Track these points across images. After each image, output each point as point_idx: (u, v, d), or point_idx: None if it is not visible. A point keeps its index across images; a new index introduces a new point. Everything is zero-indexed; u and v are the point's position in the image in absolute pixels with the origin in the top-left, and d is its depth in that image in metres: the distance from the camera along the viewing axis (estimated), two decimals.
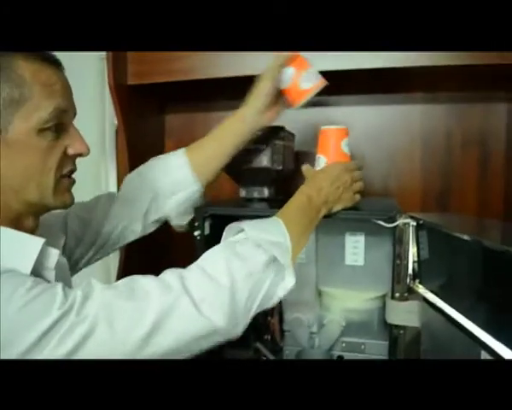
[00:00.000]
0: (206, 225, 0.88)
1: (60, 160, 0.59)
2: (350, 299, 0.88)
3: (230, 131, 0.85)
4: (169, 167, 0.86)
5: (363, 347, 0.88)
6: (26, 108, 0.55)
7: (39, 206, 0.61)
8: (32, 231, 0.62)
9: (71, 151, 0.61)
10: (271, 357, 0.88)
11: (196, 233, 0.87)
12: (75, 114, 0.63)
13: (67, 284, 0.62)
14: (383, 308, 0.86)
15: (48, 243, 0.58)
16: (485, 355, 0.53)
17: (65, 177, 0.62)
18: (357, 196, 0.79)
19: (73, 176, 0.64)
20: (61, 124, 0.59)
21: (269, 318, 0.92)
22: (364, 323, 0.89)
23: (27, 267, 0.54)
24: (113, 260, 1.45)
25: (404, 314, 0.74)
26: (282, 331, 0.93)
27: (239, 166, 0.95)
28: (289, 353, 0.92)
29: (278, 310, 0.92)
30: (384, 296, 0.85)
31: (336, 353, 0.89)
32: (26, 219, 0.61)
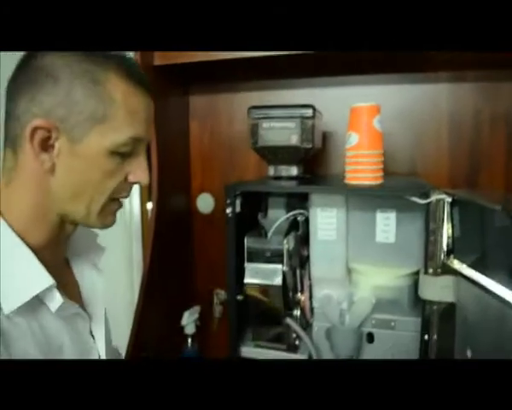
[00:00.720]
0: (237, 202, 0.88)
1: (119, 184, 0.59)
2: (380, 276, 0.88)
3: None
4: None
5: (393, 324, 0.88)
6: (105, 127, 0.55)
7: (79, 221, 0.60)
8: (69, 236, 0.64)
9: (131, 178, 0.61)
10: (301, 333, 0.89)
11: (228, 211, 0.87)
12: (149, 141, 0.62)
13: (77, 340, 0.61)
14: (414, 286, 0.87)
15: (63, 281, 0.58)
16: None
17: (116, 200, 0.62)
18: None
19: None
20: (132, 150, 0.59)
21: (299, 294, 0.93)
22: (395, 300, 0.89)
23: (12, 304, 0.52)
24: (136, 251, 1.49)
25: (439, 289, 0.74)
26: (312, 308, 0.93)
27: (268, 145, 0.95)
28: (318, 329, 0.92)
29: (308, 286, 0.93)
30: (415, 273, 0.85)
31: (366, 330, 0.90)
32: (68, 225, 0.62)
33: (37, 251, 0.57)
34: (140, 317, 1.08)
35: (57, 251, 0.63)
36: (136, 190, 1.47)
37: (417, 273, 0.83)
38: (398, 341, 0.89)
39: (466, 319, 0.70)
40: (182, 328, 1.17)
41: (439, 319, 0.78)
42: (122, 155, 0.58)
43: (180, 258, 1.26)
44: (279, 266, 0.86)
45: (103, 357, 0.64)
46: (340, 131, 1.01)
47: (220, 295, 0.91)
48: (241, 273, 0.89)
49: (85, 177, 0.56)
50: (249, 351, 0.93)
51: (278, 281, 0.86)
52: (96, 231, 0.72)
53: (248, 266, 0.88)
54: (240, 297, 0.90)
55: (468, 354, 0.67)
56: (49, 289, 0.55)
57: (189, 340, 1.18)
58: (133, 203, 1.51)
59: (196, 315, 1.19)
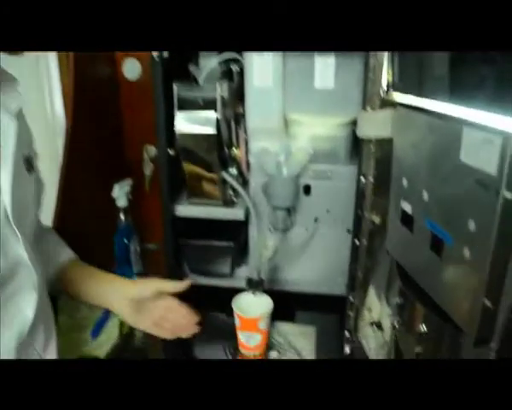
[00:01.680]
0: None
1: None
2: (318, 125, 0.85)
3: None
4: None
5: (329, 174, 0.87)
6: None
7: None
8: None
9: None
10: (238, 186, 0.86)
11: (154, 53, 0.78)
12: None
13: None
14: (352, 135, 0.85)
15: None
16: (467, 132, 0.52)
17: None
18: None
19: None
20: None
21: (234, 149, 0.88)
22: (333, 151, 0.87)
23: None
24: None
25: (377, 124, 0.72)
26: (248, 163, 0.90)
27: None
28: (255, 185, 0.90)
29: (244, 141, 0.89)
30: (353, 123, 0.83)
31: (303, 181, 0.88)
32: None
33: None
34: (64, 187, 1.01)
35: None
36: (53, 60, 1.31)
37: (355, 123, 0.81)
38: (335, 192, 0.88)
39: (403, 150, 0.69)
40: (114, 201, 1.12)
41: (375, 159, 0.77)
42: None
43: (106, 127, 1.17)
44: (212, 114, 0.80)
45: (8, 208, 0.58)
46: None
47: (150, 151, 0.84)
48: (172, 128, 0.83)
49: None
50: (184, 209, 0.89)
51: (212, 130, 0.80)
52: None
53: (179, 114, 0.81)
54: (171, 152, 0.84)
55: (404, 183, 0.67)
56: None
57: (122, 213, 1.13)
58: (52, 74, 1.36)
59: (128, 188, 1.12)
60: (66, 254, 0.82)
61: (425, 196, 0.61)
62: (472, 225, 0.52)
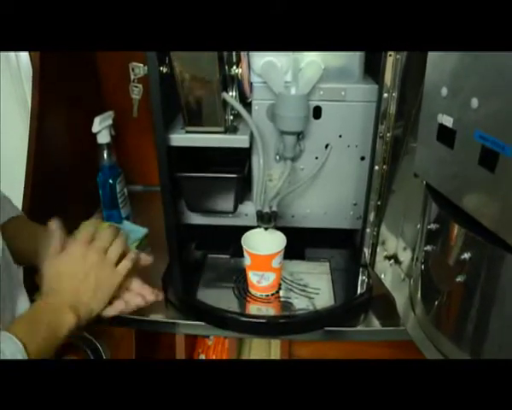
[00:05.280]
0: None
1: None
2: None
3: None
4: None
5: (343, 93, 0.77)
6: None
7: None
8: None
9: None
10: (241, 108, 0.76)
11: None
12: None
13: None
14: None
15: None
16: None
17: None
18: (124, 266, 0.66)
19: None
20: None
21: (234, 68, 0.77)
22: (345, 66, 0.77)
23: None
24: None
25: None
26: (251, 83, 0.79)
27: None
28: (259, 108, 0.79)
29: (246, 56, 0.77)
30: None
31: (313, 103, 0.78)
32: None
33: None
34: (37, 129, 0.89)
35: None
36: None
37: None
38: (349, 114, 0.79)
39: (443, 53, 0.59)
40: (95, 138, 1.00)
41: (400, 69, 0.68)
42: None
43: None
44: None
45: None
46: None
47: (137, 69, 0.72)
48: None
49: None
50: (180, 138, 0.79)
51: None
52: None
53: None
54: (164, 69, 0.72)
55: (443, 92, 0.58)
56: None
57: (104, 150, 1.01)
58: None
59: (110, 121, 1.01)
60: (10, 210, 0.77)
61: (474, 104, 0.53)
62: None
